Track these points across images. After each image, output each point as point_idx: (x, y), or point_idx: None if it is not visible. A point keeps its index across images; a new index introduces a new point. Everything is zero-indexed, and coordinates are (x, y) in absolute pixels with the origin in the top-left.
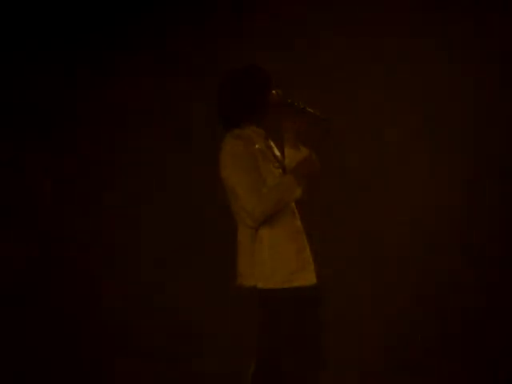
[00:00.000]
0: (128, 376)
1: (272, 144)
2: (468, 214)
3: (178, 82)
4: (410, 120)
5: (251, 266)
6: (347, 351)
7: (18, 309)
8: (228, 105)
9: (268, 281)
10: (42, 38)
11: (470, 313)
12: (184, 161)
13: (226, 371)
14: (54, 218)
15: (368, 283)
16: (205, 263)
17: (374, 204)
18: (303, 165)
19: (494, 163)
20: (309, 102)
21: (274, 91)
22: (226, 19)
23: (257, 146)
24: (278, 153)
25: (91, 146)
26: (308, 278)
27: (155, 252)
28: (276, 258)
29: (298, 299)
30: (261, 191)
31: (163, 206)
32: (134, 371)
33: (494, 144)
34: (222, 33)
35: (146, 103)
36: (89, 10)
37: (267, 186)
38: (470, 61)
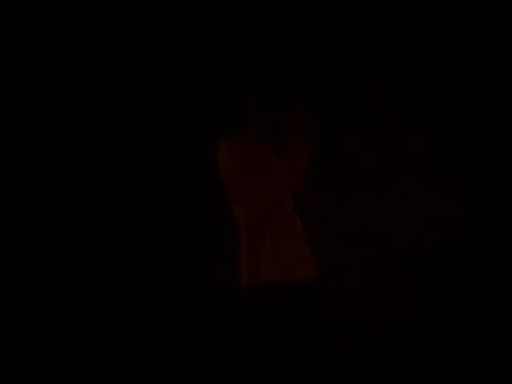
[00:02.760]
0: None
1: (267, 145)
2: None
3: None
4: None
5: (253, 264)
6: (347, 350)
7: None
8: (220, 108)
9: (270, 274)
10: None
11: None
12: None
13: None
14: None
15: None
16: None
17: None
18: (298, 160)
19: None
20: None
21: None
22: None
23: (251, 148)
24: (273, 155)
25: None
26: (308, 271)
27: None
28: (277, 253)
29: (298, 292)
30: (259, 190)
31: (163, 207)
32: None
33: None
34: None
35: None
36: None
37: (263, 184)
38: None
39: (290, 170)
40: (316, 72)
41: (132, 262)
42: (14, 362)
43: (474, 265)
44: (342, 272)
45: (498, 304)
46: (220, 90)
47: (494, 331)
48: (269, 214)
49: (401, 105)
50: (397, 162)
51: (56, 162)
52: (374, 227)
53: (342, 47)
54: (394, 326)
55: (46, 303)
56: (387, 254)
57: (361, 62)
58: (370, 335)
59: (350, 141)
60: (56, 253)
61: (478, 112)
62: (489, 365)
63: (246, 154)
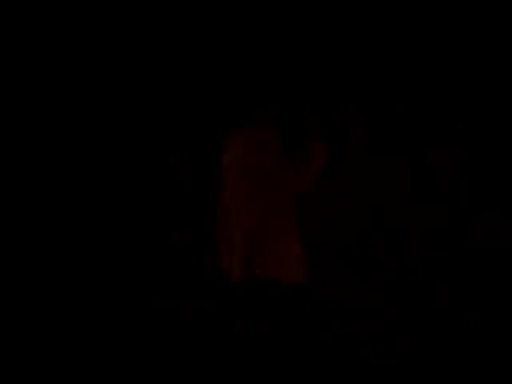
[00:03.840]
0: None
1: (286, 145)
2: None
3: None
4: None
5: (242, 261)
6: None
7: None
8: (230, 106)
9: (261, 272)
10: None
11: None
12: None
13: None
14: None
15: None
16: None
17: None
18: (313, 159)
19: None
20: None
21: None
22: None
23: (264, 147)
24: (286, 155)
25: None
26: (299, 274)
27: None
28: (270, 253)
29: (287, 294)
30: (260, 192)
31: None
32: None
33: None
34: None
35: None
36: None
37: (271, 185)
38: None
39: (302, 172)
40: (326, 77)
41: (132, 261)
42: (14, 362)
43: (473, 264)
44: (339, 274)
45: (498, 304)
46: (233, 88)
47: (493, 331)
48: (270, 214)
49: (402, 106)
50: (397, 163)
51: (56, 161)
52: (373, 228)
53: (354, 55)
54: (393, 328)
55: (45, 303)
56: (386, 255)
57: (370, 70)
58: (369, 339)
59: (350, 141)
60: (56, 253)
61: (477, 112)
62: (489, 365)
63: (258, 152)
